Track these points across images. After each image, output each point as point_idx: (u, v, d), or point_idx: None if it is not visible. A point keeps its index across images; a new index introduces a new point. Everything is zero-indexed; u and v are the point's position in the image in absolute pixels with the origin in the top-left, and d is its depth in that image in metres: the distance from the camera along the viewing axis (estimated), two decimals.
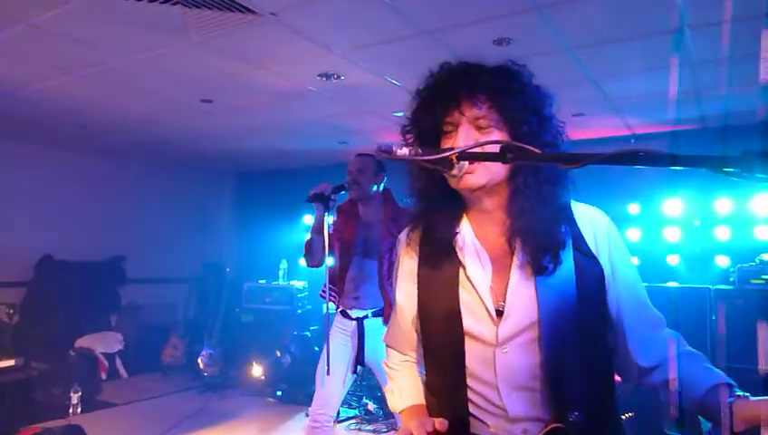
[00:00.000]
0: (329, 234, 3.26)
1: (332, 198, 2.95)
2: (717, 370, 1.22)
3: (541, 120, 1.23)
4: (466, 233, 1.32)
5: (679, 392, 1.20)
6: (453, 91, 1.24)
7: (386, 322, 3.05)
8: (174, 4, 2.81)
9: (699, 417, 1.21)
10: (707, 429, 1.20)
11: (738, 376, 1.25)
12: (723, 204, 4.82)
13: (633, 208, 5.22)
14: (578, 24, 3.03)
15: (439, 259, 1.32)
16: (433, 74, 1.31)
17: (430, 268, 1.34)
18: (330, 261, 3.12)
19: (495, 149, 1.05)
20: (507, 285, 1.25)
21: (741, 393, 1.13)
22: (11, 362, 4.81)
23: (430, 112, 1.27)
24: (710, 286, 4.33)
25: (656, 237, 5.10)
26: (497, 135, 1.22)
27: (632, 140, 5.52)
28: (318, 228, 3.03)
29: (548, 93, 1.28)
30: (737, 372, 3.91)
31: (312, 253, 3.15)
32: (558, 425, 1.19)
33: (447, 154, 1.08)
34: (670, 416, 1.21)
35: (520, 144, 1.04)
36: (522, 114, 1.21)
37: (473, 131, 1.23)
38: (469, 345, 1.27)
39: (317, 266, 3.18)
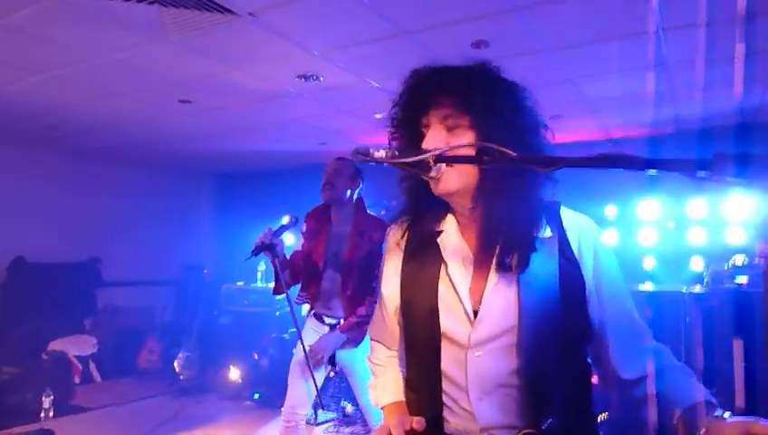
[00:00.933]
0: (297, 251, 3.29)
1: (276, 241, 2.97)
2: (700, 386, 1.21)
3: (510, 121, 1.21)
4: (451, 232, 1.32)
5: (660, 408, 1.20)
6: (423, 94, 1.26)
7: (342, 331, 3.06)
8: (150, 3, 2.77)
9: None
10: None
11: (712, 377, 1.25)
12: (697, 206, 4.89)
13: (610, 211, 5.27)
14: (556, 26, 3.05)
15: (423, 256, 1.33)
16: (405, 80, 1.32)
17: (414, 265, 1.36)
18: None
19: (472, 151, 1.05)
20: (485, 287, 1.25)
21: (719, 413, 1.13)
22: None
23: (407, 115, 1.29)
24: (684, 289, 4.39)
25: (632, 240, 5.16)
26: (466, 135, 1.22)
27: (609, 144, 5.58)
28: (277, 272, 3.05)
29: (522, 92, 1.27)
30: (713, 374, 4.01)
31: (280, 288, 3.15)
32: (530, 431, 1.19)
33: (423, 157, 1.08)
34: (651, 432, 1.21)
35: (495, 147, 1.04)
36: (489, 115, 1.21)
37: (442, 132, 1.23)
38: (445, 345, 1.27)
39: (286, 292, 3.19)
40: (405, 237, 1.40)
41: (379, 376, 1.53)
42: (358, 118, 4.94)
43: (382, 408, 1.47)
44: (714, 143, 4.87)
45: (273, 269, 3.08)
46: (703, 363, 4.06)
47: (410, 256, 1.37)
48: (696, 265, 4.87)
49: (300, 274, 3.26)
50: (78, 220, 6.72)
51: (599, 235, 1.33)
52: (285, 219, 3.10)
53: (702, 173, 0.77)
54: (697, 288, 4.40)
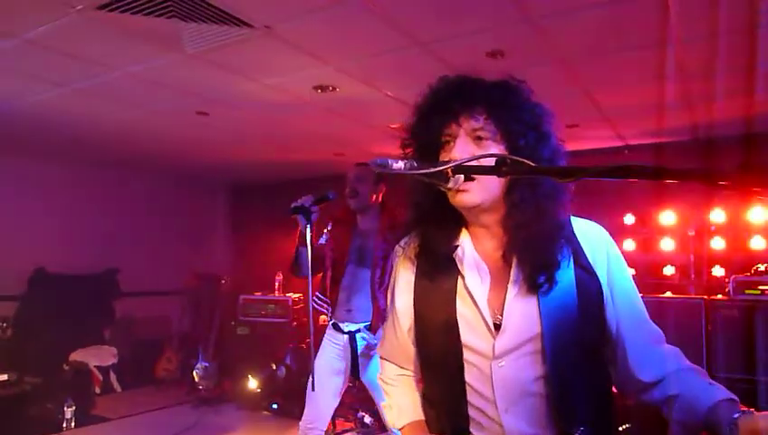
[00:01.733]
0: (321, 244, 3.24)
1: (314, 209, 2.84)
2: (719, 385, 1.20)
3: (539, 136, 1.22)
4: (466, 246, 1.31)
5: (683, 409, 1.19)
6: (451, 103, 1.24)
7: (374, 332, 3.03)
8: (169, 17, 2.81)
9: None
10: None
11: (734, 386, 1.23)
12: (717, 215, 4.84)
13: (628, 219, 5.23)
14: (571, 36, 3.05)
15: (438, 271, 1.31)
16: (432, 87, 1.30)
17: (428, 280, 1.34)
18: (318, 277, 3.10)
19: (490, 162, 1.05)
20: (505, 298, 1.24)
21: (745, 409, 1.12)
22: (4, 377, 4.77)
23: (429, 125, 1.27)
24: (705, 297, 4.33)
25: (651, 248, 5.11)
26: (494, 148, 1.22)
27: (626, 151, 5.55)
28: (302, 240, 2.95)
29: (547, 110, 1.28)
30: (734, 383, 3.94)
31: (298, 264, 3.07)
32: None
33: (442, 168, 1.07)
34: (674, 433, 1.20)
35: (514, 157, 1.04)
36: (519, 128, 1.21)
37: (470, 144, 1.22)
38: (467, 358, 1.26)
39: (303, 277, 3.05)
40: (416, 253, 1.38)
41: (393, 396, 1.50)
42: (373, 128, 4.96)
43: (400, 429, 1.45)
44: (729, 151, 4.82)
45: (297, 240, 2.99)
46: (725, 372, 4.00)
47: (423, 272, 1.35)
48: (717, 272, 4.81)
49: (320, 264, 3.20)
50: (96, 231, 6.80)
51: (610, 240, 1.33)
52: (328, 192, 2.95)
53: (725, 183, 0.76)
54: (719, 297, 4.34)
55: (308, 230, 2.82)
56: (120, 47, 3.22)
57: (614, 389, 1.34)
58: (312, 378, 2.92)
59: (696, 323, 4.21)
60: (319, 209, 2.86)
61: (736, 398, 1.16)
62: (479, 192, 1.21)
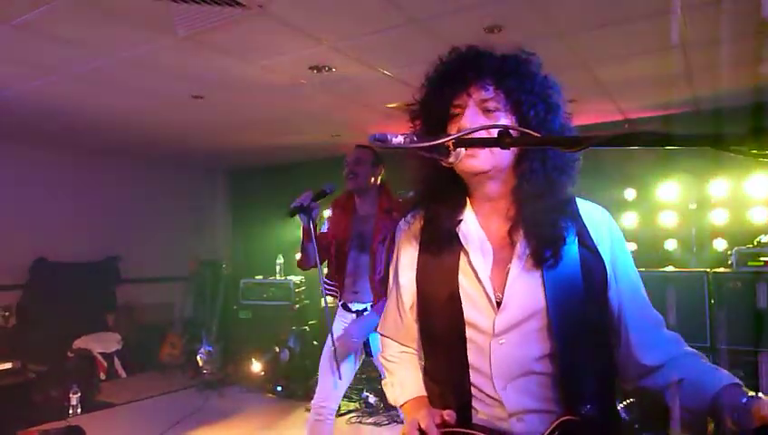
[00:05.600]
0: (324, 233, 3.27)
1: (313, 205, 2.94)
2: (722, 369, 1.19)
3: (548, 108, 1.22)
4: (470, 221, 1.30)
5: (688, 394, 1.17)
6: (461, 74, 1.23)
7: (377, 313, 3.05)
8: None
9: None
10: (712, 430, 1.17)
11: (738, 358, 1.22)
12: (718, 187, 4.82)
13: (628, 194, 5.20)
14: (569, 9, 3.00)
15: (441, 246, 1.30)
16: (442, 59, 1.29)
17: (431, 255, 1.33)
18: (324, 268, 3.18)
19: (493, 134, 1.02)
20: (507, 275, 1.23)
21: (752, 394, 1.11)
22: (8, 365, 4.78)
23: (439, 95, 1.26)
24: (707, 270, 4.32)
25: (652, 222, 5.09)
26: (504, 119, 1.21)
27: (625, 125, 5.51)
28: (307, 237, 3.04)
29: (556, 84, 1.27)
30: (737, 355, 3.95)
31: (307, 258, 3.17)
32: (570, 417, 1.17)
33: (443, 141, 1.05)
34: (677, 418, 1.19)
35: (518, 128, 1.01)
36: (530, 98, 1.20)
37: (479, 115, 1.21)
38: (468, 334, 1.25)
39: (313, 268, 3.18)
40: (419, 229, 1.37)
41: (395, 373, 1.50)
42: (371, 108, 4.92)
43: (401, 406, 1.45)
44: (732, 122, 4.79)
45: (303, 237, 3.08)
46: (727, 345, 4.01)
47: (426, 247, 1.34)
48: (720, 245, 4.80)
49: (325, 253, 3.26)
50: (95, 219, 6.79)
51: (612, 222, 1.33)
52: (325, 186, 3.07)
53: (736, 147, 0.73)
54: (721, 269, 4.33)
55: (312, 227, 2.93)
56: (111, 31, 3.18)
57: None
58: (337, 365, 2.99)
59: (700, 297, 4.21)
60: (319, 205, 2.96)
61: (740, 382, 1.15)
62: (488, 159, 1.20)
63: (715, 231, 4.86)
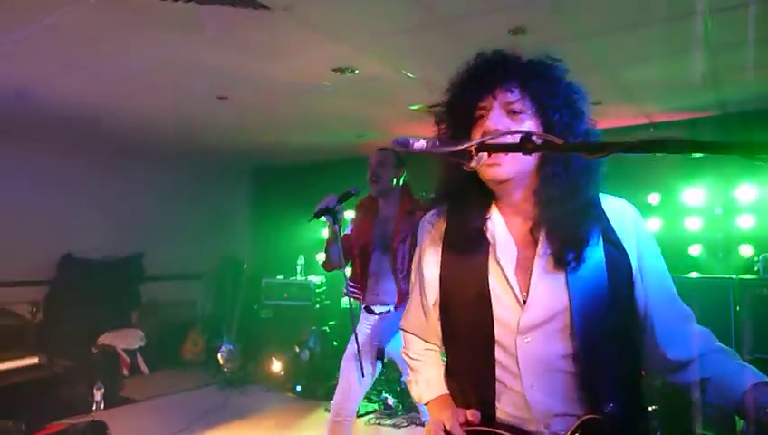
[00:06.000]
0: (347, 234, 3.30)
1: (338, 208, 2.98)
2: (752, 367, 1.19)
3: (573, 113, 1.23)
4: (497, 221, 1.31)
5: (716, 392, 1.17)
6: (487, 77, 1.24)
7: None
8: (187, 1, 2.80)
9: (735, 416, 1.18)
10: (741, 427, 1.16)
11: (763, 366, 1.22)
12: (745, 192, 4.73)
13: (653, 198, 5.14)
14: (594, 11, 2.97)
15: (468, 245, 1.32)
16: (468, 63, 1.31)
17: (457, 254, 1.34)
18: (347, 271, 3.22)
19: (516, 139, 1.02)
20: (531, 274, 1.24)
21: None
22: (35, 360, 4.87)
23: (464, 98, 1.27)
24: (734, 276, 4.25)
25: (677, 227, 5.03)
26: (529, 122, 1.22)
27: (651, 129, 5.44)
28: (333, 239, 3.08)
29: (581, 89, 1.28)
30: (764, 363, 3.86)
31: (331, 260, 3.21)
32: (593, 416, 1.18)
33: (465, 146, 1.05)
34: (706, 416, 1.18)
35: (541, 133, 1.02)
36: (555, 102, 1.21)
37: (504, 117, 1.22)
38: (496, 331, 1.26)
39: (338, 269, 3.21)
40: (443, 228, 1.38)
41: (420, 371, 1.51)
42: (394, 109, 4.92)
43: (426, 404, 1.46)
44: (759, 126, 4.71)
45: (328, 238, 3.14)
46: (753, 353, 3.94)
47: (451, 246, 1.35)
48: (746, 251, 4.72)
49: (348, 254, 3.31)
50: (121, 216, 6.88)
51: (638, 217, 1.32)
52: (350, 188, 3.13)
53: (764, 156, 0.73)
54: (747, 275, 4.26)
55: (337, 229, 2.97)
56: (139, 31, 3.23)
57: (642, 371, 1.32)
58: (360, 364, 3.02)
59: (725, 304, 4.14)
60: (344, 207, 3.02)
61: None
62: (511, 166, 1.21)
63: (742, 237, 4.78)
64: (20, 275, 5.89)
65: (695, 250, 4.96)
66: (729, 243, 4.81)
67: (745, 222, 4.75)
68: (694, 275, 4.52)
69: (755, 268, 4.27)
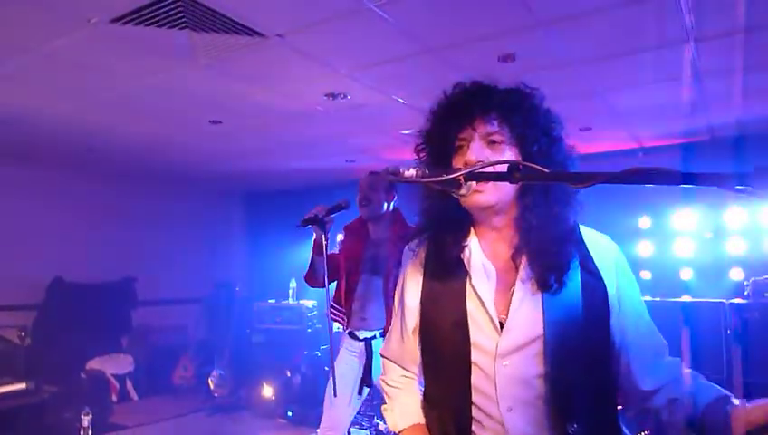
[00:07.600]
0: (335, 254, 3.25)
1: (327, 219, 2.78)
2: (716, 386, 1.24)
3: (551, 141, 1.26)
4: (474, 247, 1.33)
5: (683, 410, 1.22)
6: (466, 108, 1.27)
7: None
8: (182, 28, 2.83)
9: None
10: None
11: (757, 391, 1.26)
12: (735, 216, 4.77)
13: (644, 222, 5.17)
14: (583, 39, 3.02)
15: (446, 272, 1.34)
16: (446, 93, 1.34)
17: (437, 281, 1.36)
18: (331, 287, 3.06)
19: (503, 168, 1.05)
20: (510, 299, 1.26)
21: (737, 402, 1.17)
22: (22, 386, 4.81)
23: (444, 129, 1.30)
24: (725, 300, 4.27)
25: (667, 251, 5.05)
26: (508, 152, 1.25)
27: (640, 154, 5.49)
28: (318, 251, 2.93)
29: (557, 117, 1.31)
30: (756, 387, 3.87)
31: (315, 275, 3.10)
32: None
33: (455, 175, 1.08)
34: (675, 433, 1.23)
35: (528, 163, 1.04)
36: (532, 132, 1.24)
37: (484, 148, 1.25)
38: (474, 358, 1.27)
39: (320, 287, 3.06)
40: (424, 255, 1.41)
41: (396, 398, 1.51)
42: (385, 135, 4.96)
43: (400, 432, 1.45)
44: (748, 151, 4.77)
45: (313, 250, 2.97)
46: (744, 377, 3.93)
47: (432, 273, 1.38)
48: (736, 275, 4.74)
49: (334, 274, 3.16)
50: (113, 241, 6.86)
51: (618, 252, 1.36)
52: (340, 200, 2.89)
53: (741, 187, 0.74)
54: (738, 300, 4.28)
55: (324, 240, 2.76)
56: (135, 59, 3.25)
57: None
58: (333, 382, 2.88)
59: (716, 327, 4.15)
60: (333, 218, 2.81)
61: (729, 395, 1.21)
62: (494, 193, 1.24)
63: (732, 261, 4.80)
64: (8, 300, 5.84)
65: (686, 274, 4.98)
66: (719, 267, 4.83)
67: (735, 246, 4.78)
68: (685, 298, 4.53)
69: (745, 292, 4.29)
